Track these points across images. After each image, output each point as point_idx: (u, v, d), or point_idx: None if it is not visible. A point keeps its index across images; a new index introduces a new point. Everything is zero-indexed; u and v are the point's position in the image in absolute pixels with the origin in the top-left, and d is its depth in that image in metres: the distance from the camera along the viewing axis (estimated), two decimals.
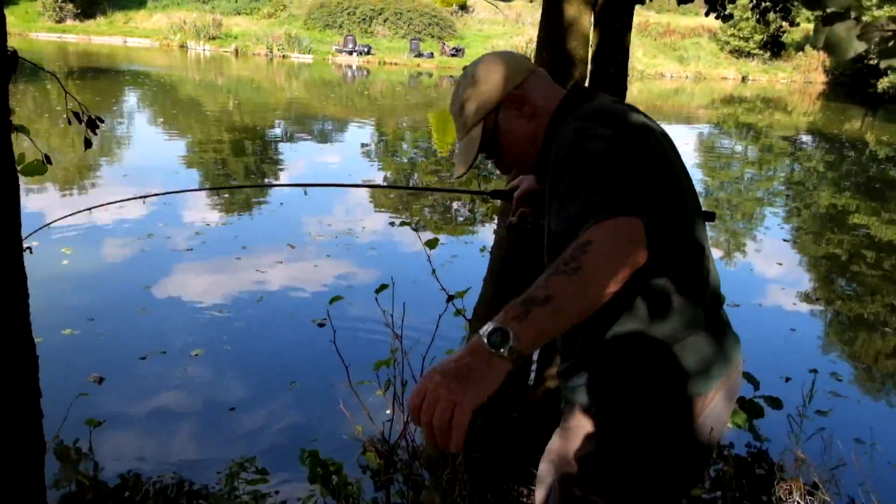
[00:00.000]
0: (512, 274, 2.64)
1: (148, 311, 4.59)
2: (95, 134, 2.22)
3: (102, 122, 2.26)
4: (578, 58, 2.69)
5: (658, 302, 1.30)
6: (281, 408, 3.59)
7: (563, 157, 1.21)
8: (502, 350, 0.96)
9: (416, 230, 6.48)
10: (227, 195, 7.79)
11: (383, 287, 2.46)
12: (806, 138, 17.73)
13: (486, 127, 1.45)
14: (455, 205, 8.16)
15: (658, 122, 1.42)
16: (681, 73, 30.86)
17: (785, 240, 7.88)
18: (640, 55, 30.31)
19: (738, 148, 15.28)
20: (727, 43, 31.74)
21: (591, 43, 2.82)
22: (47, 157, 1.97)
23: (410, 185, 9.78)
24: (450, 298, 2.56)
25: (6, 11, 1.79)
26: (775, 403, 2.86)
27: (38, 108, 12.89)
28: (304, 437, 3.22)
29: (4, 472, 1.84)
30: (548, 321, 0.99)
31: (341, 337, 2.56)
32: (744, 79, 31.18)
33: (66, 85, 1.79)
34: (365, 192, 8.31)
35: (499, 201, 2.60)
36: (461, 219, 7.90)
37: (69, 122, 2.18)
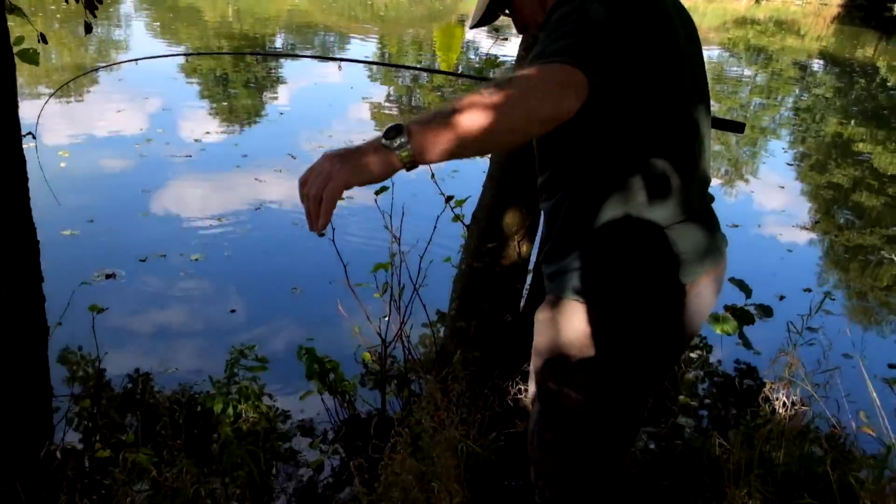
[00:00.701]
0: (510, 178, 2.63)
1: (147, 216, 4.60)
2: (94, 16, 2.17)
3: (101, 2, 2.20)
4: None
5: (657, 184, 1.27)
6: (282, 311, 3.63)
7: (552, 21, 1.18)
8: (394, 143, 0.99)
9: None
10: (225, 103, 7.67)
11: (383, 189, 2.45)
12: (817, 64, 17.35)
13: None
14: None
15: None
16: None
17: (788, 164, 7.82)
18: None
19: (748, 72, 14.97)
20: None
21: None
22: (42, 36, 1.92)
23: (412, 103, 9.62)
24: (448, 199, 2.55)
25: None
26: (766, 312, 2.88)
27: (32, 7, 12.52)
28: (302, 338, 3.28)
29: (9, 350, 1.88)
30: (447, 132, 1.00)
31: (342, 242, 2.57)
32: (757, 0, 30.28)
33: None
34: (365, 107, 8.20)
35: None
36: None
37: (66, 1, 2.12)
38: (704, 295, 1.38)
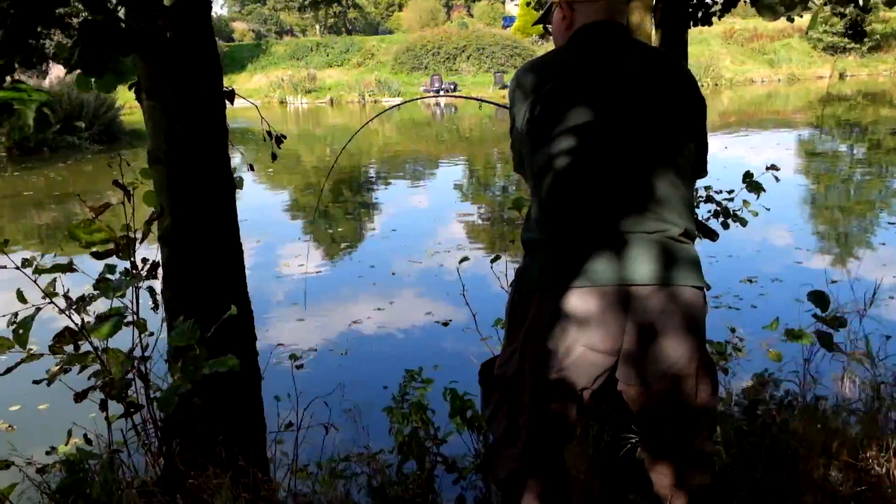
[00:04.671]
0: None
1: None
2: (280, 147, 2.92)
3: (285, 137, 3.04)
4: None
5: (530, 217, 1.69)
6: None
7: None
8: None
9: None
10: (341, 229, 8.28)
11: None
12: None
13: (549, 7, 1.84)
14: None
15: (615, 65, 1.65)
16: (772, 77, 29.82)
17: None
18: (728, 63, 29.59)
19: (843, 148, 14.62)
20: (819, 40, 30.49)
21: (654, 41, 3.11)
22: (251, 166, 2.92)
23: (504, 217, 10.00)
24: None
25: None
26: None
27: None
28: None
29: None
30: None
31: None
32: (841, 76, 29.74)
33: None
34: (458, 223, 8.62)
35: None
36: None
37: (263, 140, 3.02)
38: (582, 310, 1.53)
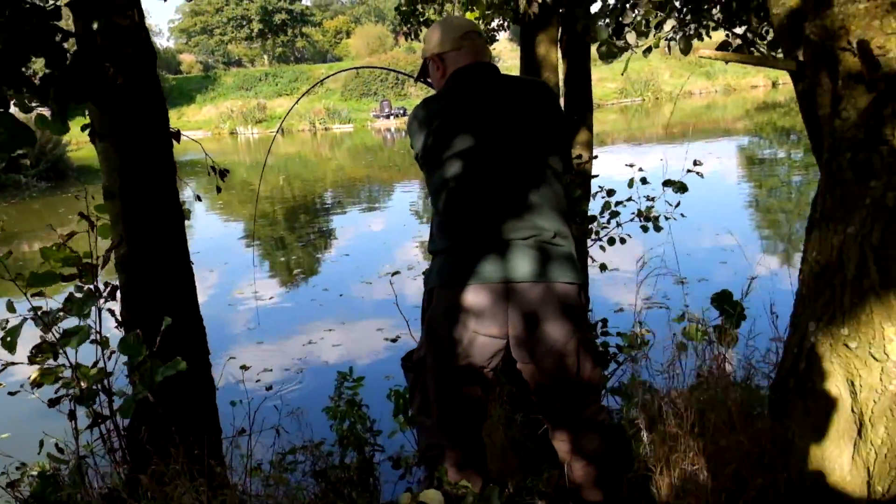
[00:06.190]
0: None
1: None
2: (224, 180, 3.09)
3: (228, 171, 3.18)
4: (551, 83, 3.28)
5: (432, 230, 2.02)
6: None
7: None
8: None
9: None
10: (295, 257, 8.46)
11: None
12: None
13: (425, 64, 2.17)
14: None
15: (477, 96, 1.99)
16: (710, 89, 30.97)
17: None
18: (667, 77, 30.65)
19: (781, 154, 15.36)
20: (751, 52, 31.75)
21: (561, 71, 3.44)
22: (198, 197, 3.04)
23: None
24: None
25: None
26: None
27: None
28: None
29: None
30: None
31: None
32: (774, 84, 31.06)
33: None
34: (415, 246, 8.90)
35: None
36: None
37: (209, 174, 3.11)
38: (475, 301, 1.84)
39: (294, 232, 10.89)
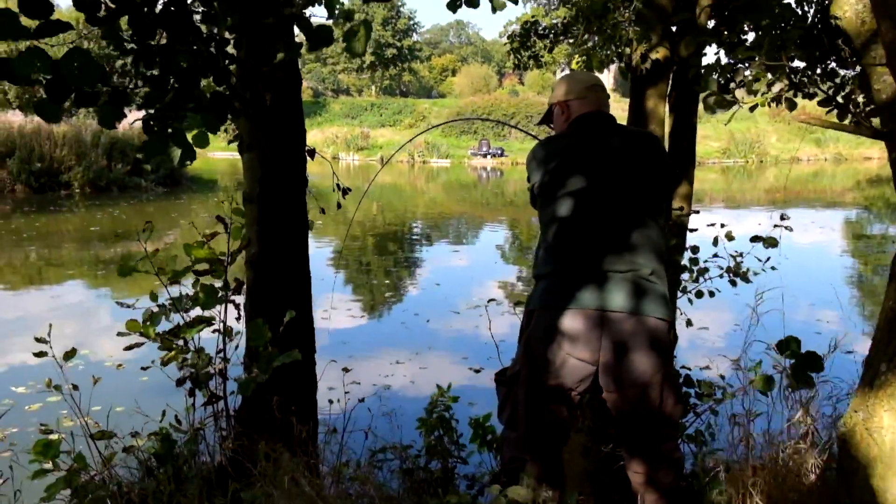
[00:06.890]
0: None
1: None
2: (345, 197, 3.50)
3: (350, 190, 3.56)
4: (658, 136, 3.44)
5: (538, 256, 2.20)
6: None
7: None
8: None
9: None
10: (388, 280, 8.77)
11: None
12: None
13: (550, 109, 2.40)
14: None
15: (600, 141, 2.19)
16: (819, 156, 29.98)
17: None
18: (774, 140, 29.89)
19: (893, 230, 14.71)
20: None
21: (666, 125, 3.57)
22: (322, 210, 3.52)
23: None
24: None
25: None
26: None
27: None
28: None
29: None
30: None
31: None
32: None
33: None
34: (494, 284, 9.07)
35: None
36: None
37: (333, 190, 3.52)
38: (571, 326, 1.99)
39: (383, 257, 11.27)
